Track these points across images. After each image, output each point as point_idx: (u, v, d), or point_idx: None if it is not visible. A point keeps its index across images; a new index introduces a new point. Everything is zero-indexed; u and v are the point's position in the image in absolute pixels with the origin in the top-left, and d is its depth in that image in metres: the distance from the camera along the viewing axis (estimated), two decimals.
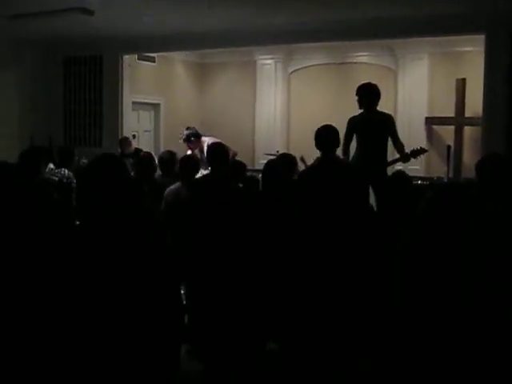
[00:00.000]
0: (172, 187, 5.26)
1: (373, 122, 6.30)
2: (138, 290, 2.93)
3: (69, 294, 2.97)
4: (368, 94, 6.32)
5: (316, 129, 4.94)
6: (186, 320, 4.51)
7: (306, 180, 4.86)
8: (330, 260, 4.13)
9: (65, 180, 6.21)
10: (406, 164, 6.64)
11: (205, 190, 4.47)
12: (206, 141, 7.71)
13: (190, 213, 4.50)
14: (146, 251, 2.97)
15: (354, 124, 6.43)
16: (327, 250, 4.18)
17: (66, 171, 6.38)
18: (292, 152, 9.95)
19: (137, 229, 2.99)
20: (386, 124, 6.36)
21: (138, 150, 8.31)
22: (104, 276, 2.90)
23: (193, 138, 8.05)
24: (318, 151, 4.90)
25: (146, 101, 10.94)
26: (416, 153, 6.37)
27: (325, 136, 4.84)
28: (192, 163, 5.56)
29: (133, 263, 2.92)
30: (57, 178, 6.23)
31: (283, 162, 5.12)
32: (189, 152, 7.83)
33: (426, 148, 6.60)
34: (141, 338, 2.96)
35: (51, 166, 6.55)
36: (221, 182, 4.46)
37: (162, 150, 10.94)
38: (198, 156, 7.46)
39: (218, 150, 4.70)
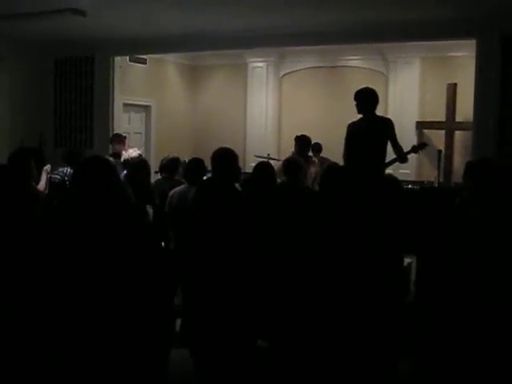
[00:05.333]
0: (177, 189, 5.28)
1: (373, 127, 6.25)
2: (122, 292, 2.90)
3: (53, 296, 2.95)
4: (368, 99, 6.30)
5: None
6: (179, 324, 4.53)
7: None
8: (322, 259, 4.12)
9: (66, 178, 6.29)
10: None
11: (209, 192, 4.43)
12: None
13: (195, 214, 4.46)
14: (132, 252, 2.95)
15: (354, 129, 6.40)
16: (320, 249, 4.17)
17: (68, 169, 6.42)
18: (283, 155, 9.99)
19: (121, 229, 2.96)
20: (386, 128, 6.32)
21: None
22: (89, 277, 2.88)
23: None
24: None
25: (137, 103, 10.90)
26: (416, 148, 6.43)
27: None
28: (198, 165, 5.56)
29: (118, 264, 2.90)
30: (59, 177, 6.32)
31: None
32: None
33: (426, 142, 6.72)
34: (127, 337, 2.94)
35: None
36: (224, 184, 4.42)
37: (152, 152, 10.95)
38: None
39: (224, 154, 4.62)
